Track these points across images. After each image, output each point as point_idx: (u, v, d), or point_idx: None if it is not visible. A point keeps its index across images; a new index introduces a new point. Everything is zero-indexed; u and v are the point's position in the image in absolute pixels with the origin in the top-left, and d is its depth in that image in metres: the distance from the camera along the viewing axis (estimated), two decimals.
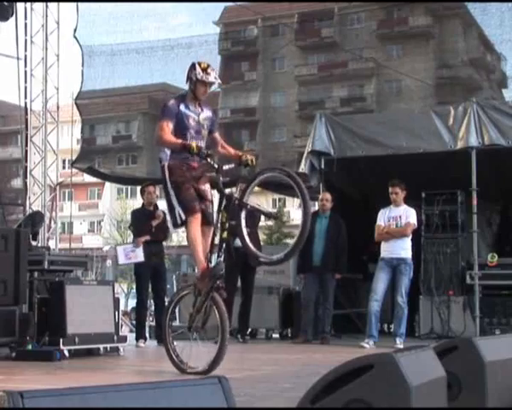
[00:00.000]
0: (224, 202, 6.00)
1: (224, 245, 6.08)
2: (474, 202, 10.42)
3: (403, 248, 9.39)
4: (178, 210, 6.01)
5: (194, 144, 5.90)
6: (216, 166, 5.98)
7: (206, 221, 6.10)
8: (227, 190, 6.25)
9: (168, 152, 6.14)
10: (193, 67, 6.16)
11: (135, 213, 10.40)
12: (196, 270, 6.15)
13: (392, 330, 10.47)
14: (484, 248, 11.63)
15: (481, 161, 10.39)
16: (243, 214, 6.01)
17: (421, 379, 2.92)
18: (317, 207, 10.86)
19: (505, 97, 13.97)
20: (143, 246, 9.60)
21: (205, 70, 6.11)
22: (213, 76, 6.17)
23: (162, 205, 9.57)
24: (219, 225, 6.02)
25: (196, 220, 5.99)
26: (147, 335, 9.99)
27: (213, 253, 6.07)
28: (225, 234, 6.04)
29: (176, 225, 6.19)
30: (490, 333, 9.85)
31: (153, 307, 10.57)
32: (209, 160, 5.97)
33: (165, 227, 9.69)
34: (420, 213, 10.48)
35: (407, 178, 9.60)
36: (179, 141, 5.98)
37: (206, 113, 6.30)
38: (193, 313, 6.15)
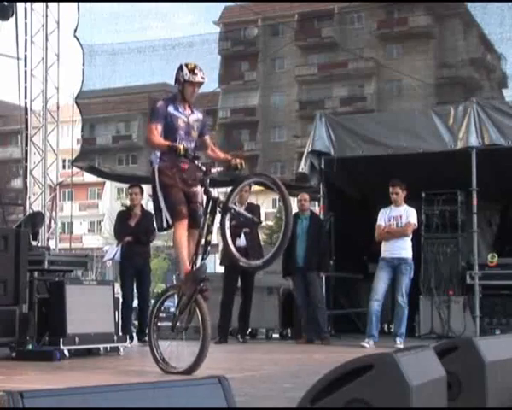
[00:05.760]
0: (210, 205, 6.01)
1: (209, 247, 6.09)
2: (474, 202, 10.42)
3: (403, 248, 9.38)
4: (165, 214, 6.04)
5: (180, 146, 5.90)
6: (204, 168, 6.00)
7: (195, 224, 6.10)
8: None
9: (158, 154, 6.17)
10: (180, 68, 6.20)
11: (118, 214, 10.52)
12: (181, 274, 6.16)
13: (392, 330, 10.47)
14: (484, 248, 11.63)
15: (481, 161, 10.39)
16: (227, 217, 6.04)
17: (421, 379, 2.92)
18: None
19: (505, 97, 13.94)
20: (126, 247, 9.75)
21: (192, 71, 6.13)
22: (200, 76, 6.17)
23: (149, 206, 9.60)
24: (205, 227, 6.03)
25: (183, 225, 6.02)
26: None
27: (199, 254, 6.07)
28: (210, 236, 6.07)
29: (161, 229, 6.22)
30: (490, 333, 9.85)
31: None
32: (196, 162, 5.99)
33: (149, 229, 9.66)
34: (419, 213, 10.48)
35: (407, 178, 9.59)
36: (166, 143, 6.00)
37: (197, 115, 6.33)
38: (176, 314, 6.19)
